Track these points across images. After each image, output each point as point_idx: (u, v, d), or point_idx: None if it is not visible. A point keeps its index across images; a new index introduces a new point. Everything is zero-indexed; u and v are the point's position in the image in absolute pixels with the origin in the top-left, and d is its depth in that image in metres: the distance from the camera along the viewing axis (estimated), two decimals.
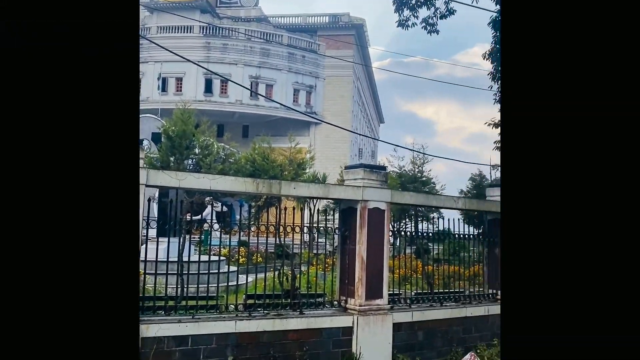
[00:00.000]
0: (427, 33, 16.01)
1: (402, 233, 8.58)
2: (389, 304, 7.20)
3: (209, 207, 13.19)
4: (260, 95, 38.92)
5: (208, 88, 39.24)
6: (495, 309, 8.46)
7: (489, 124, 17.12)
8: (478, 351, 7.90)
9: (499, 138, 17.08)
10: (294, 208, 7.07)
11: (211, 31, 39.90)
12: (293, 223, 6.74)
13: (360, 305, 6.79)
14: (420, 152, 20.48)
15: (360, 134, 45.44)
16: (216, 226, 7.23)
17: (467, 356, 2.29)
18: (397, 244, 10.29)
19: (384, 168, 7.80)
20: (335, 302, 7.06)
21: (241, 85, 33.92)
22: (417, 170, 21.29)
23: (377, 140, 57.07)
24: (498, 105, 17.18)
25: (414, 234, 8.72)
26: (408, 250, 11.10)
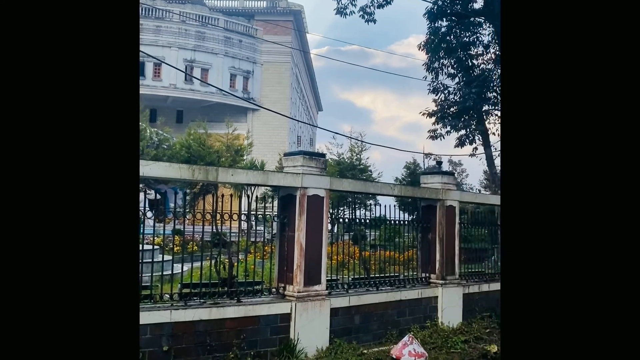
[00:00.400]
0: (365, 22, 16.20)
1: (340, 220, 8.68)
2: (327, 289, 7.28)
3: (142, 194, 12.70)
4: (195, 78, 37.85)
5: (140, 71, 37.63)
6: (428, 292, 8.79)
7: (423, 114, 17.61)
8: (411, 333, 8.18)
9: (432, 127, 17.63)
10: (231, 195, 6.95)
11: (144, 12, 38.21)
12: (230, 210, 6.63)
13: (298, 292, 6.82)
14: (358, 140, 20.78)
15: (299, 121, 45.40)
16: (149, 214, 6.98)
17: (405, 338, 2.36)
18: (335, 231, 10.42)
19: (323, 155, 7.82)
20: (274, 290, 7.04)
21: (176, 68, 32.82)
22: (355, 157, 21.59)
23: (316, 127, 57.26)
24: (432, 95, 17.73)
25: (351, 220, 8.84)
26: (346, 237, 11.27)
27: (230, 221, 6.67)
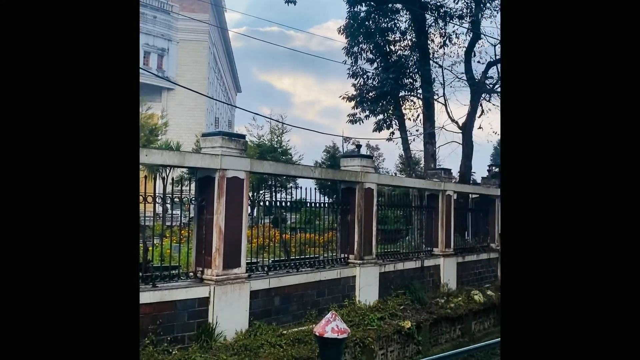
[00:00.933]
0: (285, 3, 15.98)
1: (260, 203, 8.60)
2: (246, 272, 7.22)
3: None
4: None
5: None
6: (346, 272, 9.00)
7: (343, 98, 17.82)
8: (333, 310, 8.35)
9: (351, 111, 17.89)
10: (145, 177, 6.64)
11: None
12: (145, 193, 6.34)
13: (217, 275, 6.70)
14: (279, 122, 20.63)
15: (217, 100, 44.27)
16: None
17: (328, 315, 2.40)
18: (255, 214, 10.31)
19: (243, 136, 7.67)
20: (191, 274, 6.87)
21: None
22: (275, 140, 21.43)
23: (235, 107, 56.20)
24: (351, 80, 17.95)
25: (271, 203, 8.79)
26: (266, 220, 11.21)
27: (145, 204, 6.38)
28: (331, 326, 2.66)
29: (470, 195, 14.17)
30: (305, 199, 8.76)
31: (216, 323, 6.56)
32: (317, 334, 2.63)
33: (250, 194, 7.78)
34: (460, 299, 10.72)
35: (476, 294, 11.16)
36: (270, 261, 8.24)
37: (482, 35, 16.75)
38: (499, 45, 16.72)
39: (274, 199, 8.92)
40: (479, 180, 15.77)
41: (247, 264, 7.46)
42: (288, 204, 8.89)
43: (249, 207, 7.74)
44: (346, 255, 9.30)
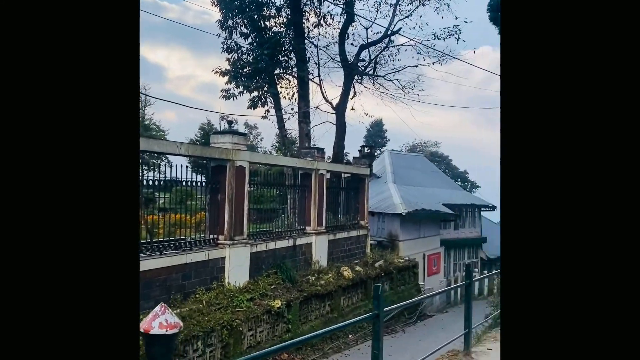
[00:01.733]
0: None
1: None
2: None
3: None
4: None
5: None
6: (215, 253, 8.67)
7: (216, 72, 17.14)
8: (197, 296, 7.99)
9: (225, 87, 17.30)
10: None
11: None
12: None
13: None
14: (142, 94, 19.23)
15: None
16: None
17: (157, 308, 2.14)
18: None
19: None
20: None
21: None
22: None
23: None
24: (226, 54, 17.32)
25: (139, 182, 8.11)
26: None
27: None
28: (159, 321, 2.38)
29: (342, 174, 14.53)
30: (177, 178, 8.23)
31: None
32: (143, 330, 2.34)
33: None
34: (330, 275, 10.96)
35: (345, 270, 11.50)
36: None
37: (355, 18, 17.08)
38: (371, 28, 17.23)
39: (140, 177, 8.24)
40: (351, 160, 16.22)
41: None
42: (157, 183, 8.26)
43: None
44: (215, 236, 8.96)
